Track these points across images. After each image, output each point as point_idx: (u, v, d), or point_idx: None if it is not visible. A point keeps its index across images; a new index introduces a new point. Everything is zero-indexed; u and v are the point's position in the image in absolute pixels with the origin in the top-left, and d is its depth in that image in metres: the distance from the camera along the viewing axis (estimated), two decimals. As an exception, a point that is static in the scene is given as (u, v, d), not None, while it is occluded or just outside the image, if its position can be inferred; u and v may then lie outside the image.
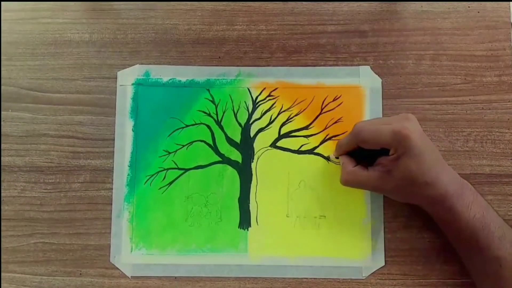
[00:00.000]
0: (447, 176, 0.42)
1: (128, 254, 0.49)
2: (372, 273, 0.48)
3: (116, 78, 0.52)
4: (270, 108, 0.52)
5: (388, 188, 0.43)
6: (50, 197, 0.51)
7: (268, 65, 0.52)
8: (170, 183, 0.50)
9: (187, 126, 0.51)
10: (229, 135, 0.51)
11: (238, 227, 0.50)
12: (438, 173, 0.41)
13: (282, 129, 0.51)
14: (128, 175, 0.51)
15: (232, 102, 0.52)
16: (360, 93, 0.51)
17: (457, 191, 0.41)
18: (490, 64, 0.51)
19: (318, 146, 0.51)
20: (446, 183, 0.41)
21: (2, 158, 0.51)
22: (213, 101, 0.52)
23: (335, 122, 0.51)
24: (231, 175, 0.51)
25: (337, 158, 0.48)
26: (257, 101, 0.52)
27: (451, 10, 0.53)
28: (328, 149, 0.50)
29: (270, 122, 0.51)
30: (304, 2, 0.53)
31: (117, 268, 0.49)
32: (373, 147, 0.43)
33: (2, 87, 0.52)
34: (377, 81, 0.52)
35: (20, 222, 0.50)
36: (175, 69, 0.52)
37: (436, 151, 0.43)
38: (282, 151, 0.51)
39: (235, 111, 0.52)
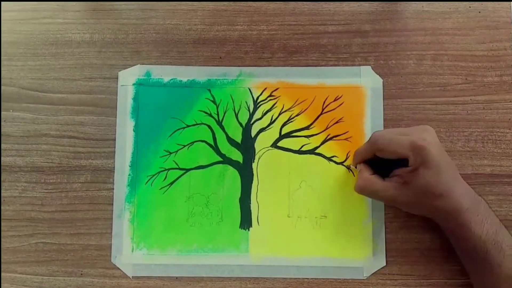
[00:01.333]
0: (462, 190, 0.42)
1: (129, 254, 0.49)
2: (373, 273, 0.48)
3: (117, 78, 0.52)
4: (271, 108, 0.52)
5: (404, 199, 0.43)
6: (51, 197, 0.51)
7: (269, 65, 0.52)
8: (171, 183, 0.50)
9: (188, 126, 0.51)
10: (230, 135, 0.51)
11: (239, 227, 0.50)
12: (454, 187, 0.41)
13: (283, 129, 0.51)
14: (129, 175, 0.51)
15: (233, 102, 0.52)
16: (361, 93, 0.51)
17: (472, 205, 0.41)
18: (491, 64, 0.51)
19: (319, 146, 0.51)
20: (461, 197, 0.41)
21: (3, 158, 0.51)
22: (214, 101, 0.52)
23: (336, 122, 0.51)
24: (232, 175, 0.51)
25: (355, 167, 0.49)
26: (258, 101, 0.52)
27: (452, 10, 0.53)
28: (329, 149, 0.50)
29: (271, 122, 0.51)
30: (305, 2, 0.53)
31: (118, 268, 0.49)
32: (390, 157, 0.43)
33: (3, 87, 0.52)
34: (378, 81, 0.52)
35: (21, 222, 0.50)
36: (176, 69, 0.52)
37: (452, 164, 0.43)
38: (283, 151, 0.51)
39: (236, 111, 0.52)
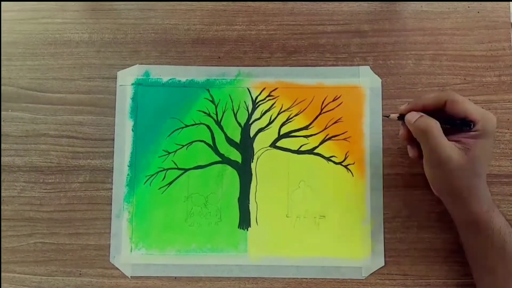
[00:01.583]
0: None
1: (128, 254, 0.49)
2: (372, 273, 0.48)
3: (116, 78, 0.52)
4: (270, 108, 0.52)
5: (455, 165, 0.41)
6: (49, 197, 0.51)
7: (268, 65, 0.52)
8: (170, 183, 0.50)
9: (186, 126, 0.51)
10: (228, 135, 0.51)
11: (238, 227, 0.50)
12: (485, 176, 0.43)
13: (282, 129, 0.51)
14: (128, 175, 0.51)
15: (232, 102, 0.52)
16: (360, 93, 0.51)
17: (492, 202, 0.43)
18: (490, 64, 0.51)
19: (318, 146, 0.51)
20: (485, 189, 0.43)
21: (2, 158, 0.51)
22: (212, 101, 0.52)
23: (335, 122, 0.51)
24: (231, 175, 0.51)
25: (399, 119, 0.45)
26: (257, 101, 0.52)
27: (451, 10, 0.53)
28: (328, 149, 0.50)
29: (270, 122, 0.51)
30: (304, 2, 0.53)
31: (117, 268, 0.49)
32: (458, 114, 0.41)
33: (2, 87, 0.52)
34: (377, 81, 0.52)
35: (19, 222, 0.50)
36: (175, 69, 0.52)
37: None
38: (282, 151, 0.51)
39: (235, 111, 0.52)
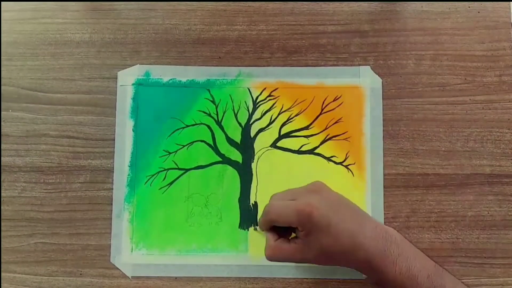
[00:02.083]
0: (368, 234, 0.40)
1: (129, 254, 0.49)
2: (372, 273, 0.48)
3: (116, 78, 0.52)
4: (270, 108, 0.52)
5: (311, 259, 0.41)
6: (50, 197, 0.51)
7: (269, 65, 0.52)
8: (171, 183, 0.50)
9: (187, 126, 0.51)
10: (229, 135, 0.51)
11: (239, 227, 0.50)
12: (356, 238, 0.39)
13: (282, 129, 0.51)
14: (129, 175, 0.51)
15: (233, 102, 0.52)
16: (360, 93, 0.51)
17: (380, 247, 0.39)
18: (491, 64, 0.51)
19: (318, 146, 0.51)
20: (368, 245, 0.39)
21: (2, 158, 0.51)
22: (213, 101, 0.52)
23: (336, 122, 0.51)
24: (232, 175, 0.51)
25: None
26: (257, 101, 0.52)
27: (451, 10, 0.53)
28: (328, 149, 0.50)
29: (271, 122, 0.51)
30: (304, 2, 0.53)
31: (118, 268, 0.49)
32: (283, 225, 0.42)
33: (2, 87, 0.52)
34: (377, 81, 0.52)
35: (20, 222, 0.50)
36: (175, 69, 0.52)
37: (351, 211, 0.42)
38: (282, 151, 0.51)
39: (236, 111, 0.52)
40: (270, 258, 0.43)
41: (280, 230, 0.43)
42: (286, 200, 0.42)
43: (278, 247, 0.42)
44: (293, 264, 0.49)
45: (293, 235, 0.43)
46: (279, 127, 0.51)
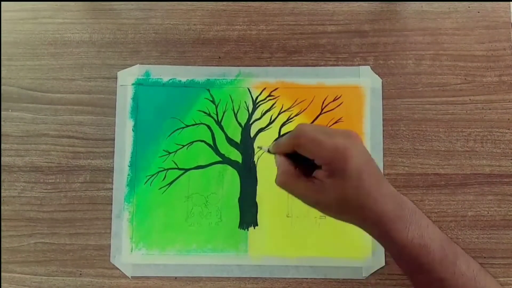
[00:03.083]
0: (385, 196, 0.38)
1: (128, 254, 0.49)
2: (372, 273, 0.48)
3: (116, 78, 0.52)
4: (270, 108, 0.52)
5: (325, 203, 0.39)
6: (50, 197, 0.51)
7: (268, 65, 0.52)
8: (170, 183, 0.50)
9: (187, 126, 0.51)
10: (229, 135, 0.51)
11: (238, 227, 0.50)
12: (376, 196, 0.38)
13: (282, 129, 0.51)
14: (128, 175, 0.51)
15: (232, 102, 0.52)
16: (360, 93, 0.51)
17: (395, 212, 0.38)
18: (490, 64, 0.51)
19: (318, 146, 0.51)
20: (383, 205, 0.37)
21: (2, 158, 0.51)
22: (213, 101, 0.52)
23: (336, 122, 0.51)
24: (231, 175, 0.51)
25: (269, 152, 0.43)
26: (257, 101, 0.52)
27: (451, 10, 0.53)
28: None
29: (270, 122, 0.51)
30: (304, 2, 0.53)
31: (117, 268, 0.49)
32: (310, 156, 0.39)
33: (2, 87, 0.52)
34: (377, 81, 0.52)
35: (20, 222, 0.50)
36: (175, 69, 0.52)
37: (376, 169, 0.39)
38: (282, 151, 0.51)
39: (235, 111, 0.52)
40: (282, 185, 0.39)
41: (297, 161, 0.40)
42: (320, 133, 0.38)
43: (296, 176, 0.39)
44: (293, 264, 0.49)
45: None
46: (279, 127, 0.51)
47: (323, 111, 0.51)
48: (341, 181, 0.37)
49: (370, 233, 0.40)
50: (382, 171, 0.50)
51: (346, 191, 0.37)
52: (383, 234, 0.38)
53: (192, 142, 0.51)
